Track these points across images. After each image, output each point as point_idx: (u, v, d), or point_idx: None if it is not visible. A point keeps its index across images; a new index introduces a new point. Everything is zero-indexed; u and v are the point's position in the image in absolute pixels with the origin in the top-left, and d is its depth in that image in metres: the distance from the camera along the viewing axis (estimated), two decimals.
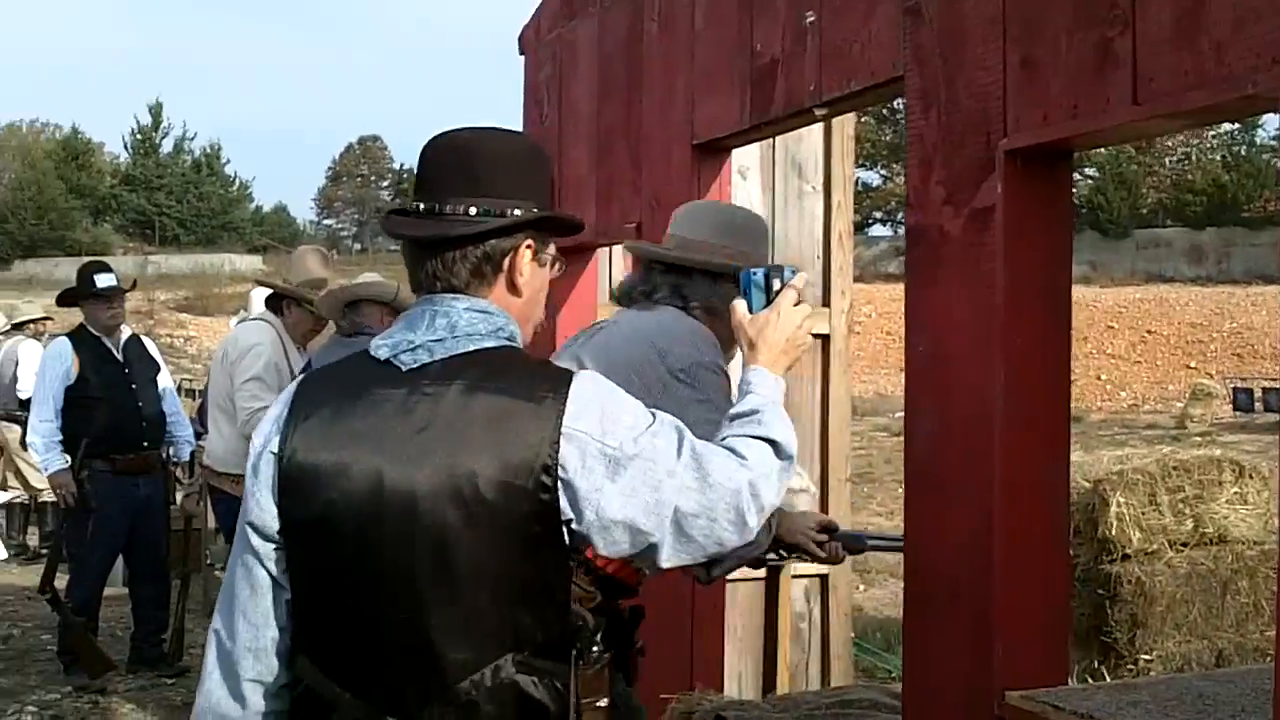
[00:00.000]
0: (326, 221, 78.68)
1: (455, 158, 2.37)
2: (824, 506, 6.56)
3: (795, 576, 6.33)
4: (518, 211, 2.33)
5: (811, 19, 3.79)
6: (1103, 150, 47.18)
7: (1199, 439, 20.83)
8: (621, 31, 4.97)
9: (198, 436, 8.63)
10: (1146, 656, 7.56)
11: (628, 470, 2.20)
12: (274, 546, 2.31)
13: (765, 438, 2.36)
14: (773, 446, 2.36)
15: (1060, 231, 3.08)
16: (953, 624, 3.21)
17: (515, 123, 5.96)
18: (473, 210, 2.30)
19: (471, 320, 2.30)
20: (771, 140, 6.32)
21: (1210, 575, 7.65)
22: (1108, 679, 7.23)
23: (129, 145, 62.09)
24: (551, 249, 2.45)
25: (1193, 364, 31.25)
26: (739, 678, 6.31)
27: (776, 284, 2.70)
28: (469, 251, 2.32)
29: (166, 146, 61.82)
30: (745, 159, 6.26)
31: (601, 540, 2.23)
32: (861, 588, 10.54)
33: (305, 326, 6.80)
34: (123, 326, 7.91)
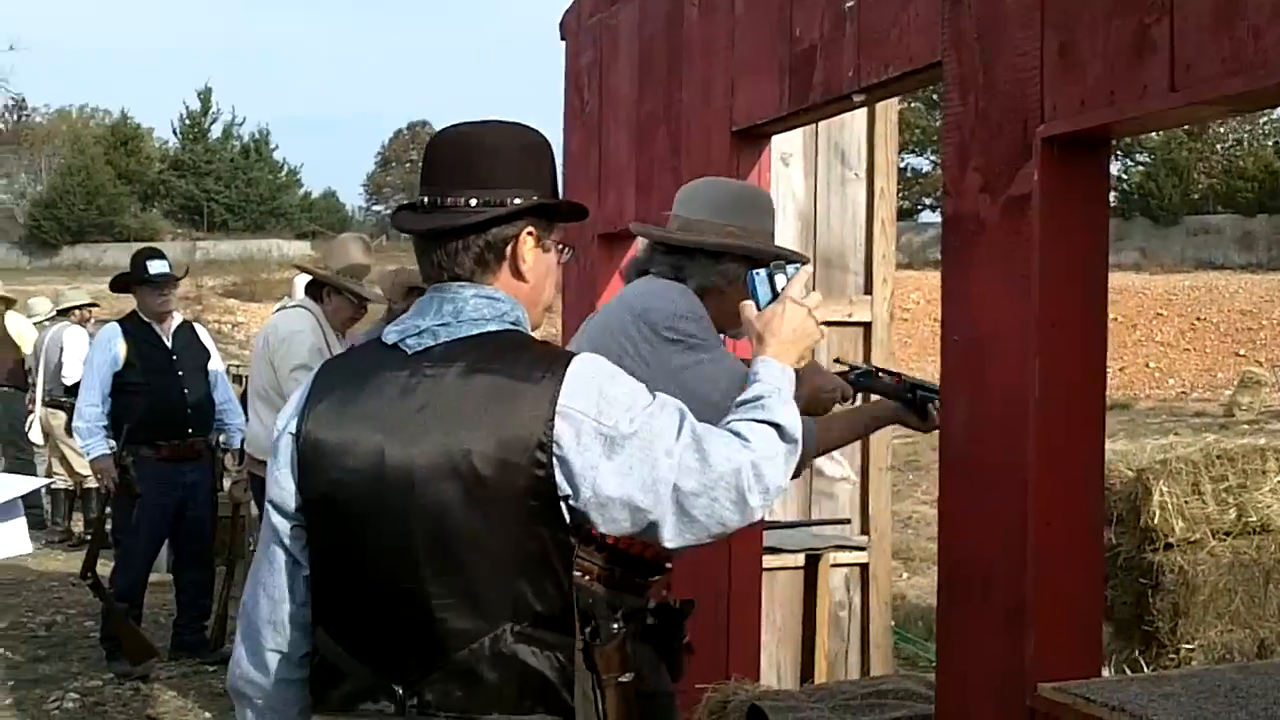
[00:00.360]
0: (375, 207, 78.76)
1: (456, 151, 2.44)
2: (864, 495, 6.55)
3: (835, 566, 6.32)
4: (518, 200, 2.39)
5: (851, 4, 3.77)
6: (1154, 136, 46.78)
7: (1247, 427, 20.59)
8: (662, 16, 4.95)
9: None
10: (1188, 646, 7.50)
11: (624, 449, 2.26)
12: (292, 524, 2.41)
13: (769, 421, 2.40)
14: (777, 430, 2.39)
15: (1097, 219, 3.05)
16: (986, 614, 3.19)
17: (559, 109, 5.96)
18: (473, 201, 2.38)
19: (477, 306, 2.37)
20: (814, 126, 6.29)
21: (1253, 564, 7.57)
22: (1148, 669, 7.20)
23: (178, 131, 62.37)
24: (556, 235, 2.51)
25: (1242, 351, 30.92)
26: (778, 666, 6.30)
27: (781, 279, 2.74)
28: (472, 241, 2.39)
29: (215, 132, 62.07)
30: (788, 145, 6.23)
31: (600, 517, 2.28)
32: (905, 575, 10.50)
33: (345, 314, 6.79)
34: (174, 313, 7.94)
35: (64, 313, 12.21)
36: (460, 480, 2.23)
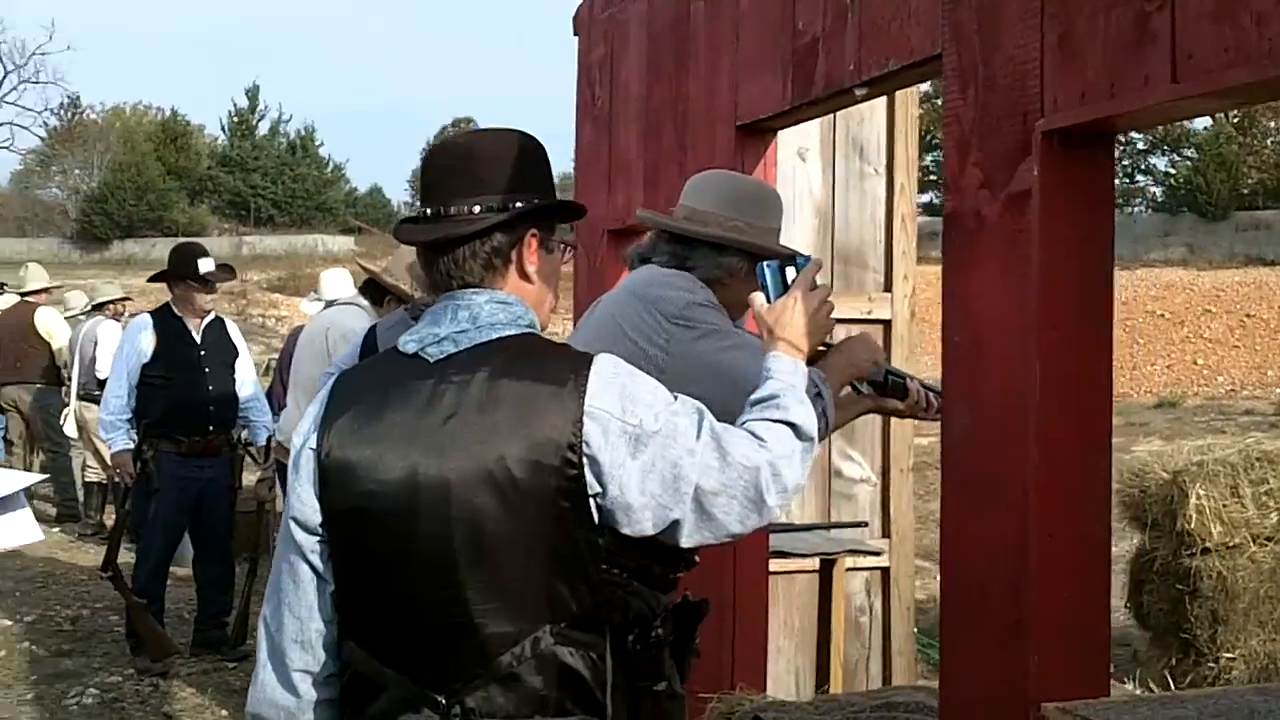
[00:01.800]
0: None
1: (454, 161, 2.49)
2: (885, 496, 6.42)
3: (854, 570, 6.19)
4: (519, 204, 2.42)
5: None
6: (1201, 130, 46.29)
7: None
8: (670, 10, 4.85)
9: None
10: (1228, 655, 7.33)
11: (648, 447, 2.29)
12: (317, 540, 2.40)
13: (784, 420, 2.44)
14: (792, 429, 2.44)
15: (1100, 216, 2.91)
16: (987, 629, 3.06)
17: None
18: (475, 208, 2.41)
19: (493, 311, 2.40)
20: (832, 121, 6.17)
21: None
22: (1186, 678, 7.03)
23: (226, 128, 62.76)
24: (559, 235, 2.56)
25: None
26: (797, 673, 6.19)
27: (791, 273, 2.74)
28: (478, 248, 2.42)
29: (263, 129, 62.42)
30: (805, 140, 6.12)
31: (625, 517, 2.31)
32: (936, 577, 10.33)
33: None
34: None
35: (99, 307, 12.24)
36: (496, 486, 2.25)
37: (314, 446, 2.39)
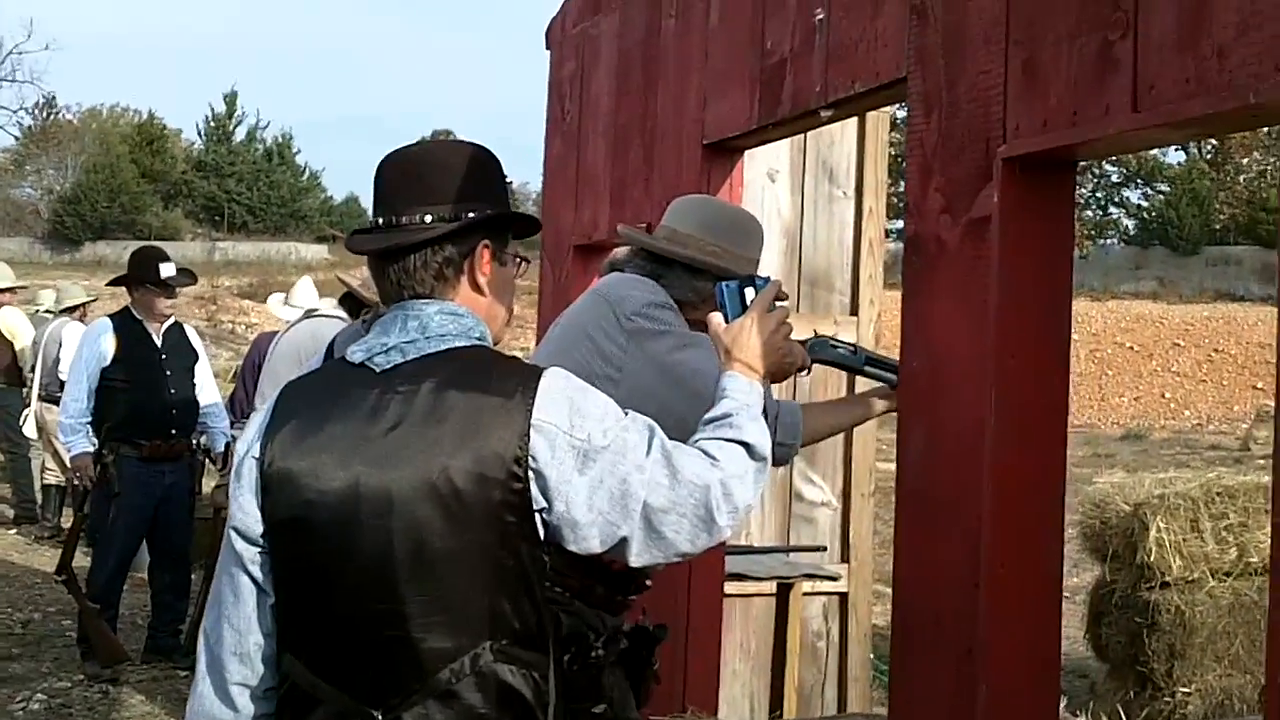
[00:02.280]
0: None
1: (406, 170, 2.44)
2: (845, 521, 6.39)
3: (809, 594, 6.16)
4: (471, 214, 2.39)
5: (820, 15, 3.63)
6: (1175, 165, 46.58)
7: (1262, 462, 20.39)
8: (641, 26, 4.82)
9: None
10: (1185, 689, 7.31)
11: (596, 462, 2.25)
12: (257, 550, 2.35)
13: (738, 440, 2.40)
14: (745, 449, 2.40)
15: (1060, 245, 2.89)
16: (938, 663, 3.04)
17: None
18: (428, 218, 2.37)
19: (442, 322, 2.36)
20: (802, 143, 6.16)
21: (1254, 607, 7.35)
22: (1142, 712, 7.02)
23: (202, 133, 62.61)
24: (513, 248, 2.51)
25: (1260, 385, 30.62)
26: (752, 696, 6.15)
27: (750, 293, 2.71)
28: (429, 258, 2.38)
29: (239, 135, 62.29)
30: (775, 162, 6.10)
31: (571, 533, 2.27)
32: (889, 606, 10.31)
33: None
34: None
35: (67, 310, 12.15)
36: (439, 499, 2.21)
37: (256, 455, 2.34)
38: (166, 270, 7.54)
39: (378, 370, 2.33)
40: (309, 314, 7.99)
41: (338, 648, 2.29)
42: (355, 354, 2.38)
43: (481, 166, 2.46)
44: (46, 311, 12.76)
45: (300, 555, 2.31)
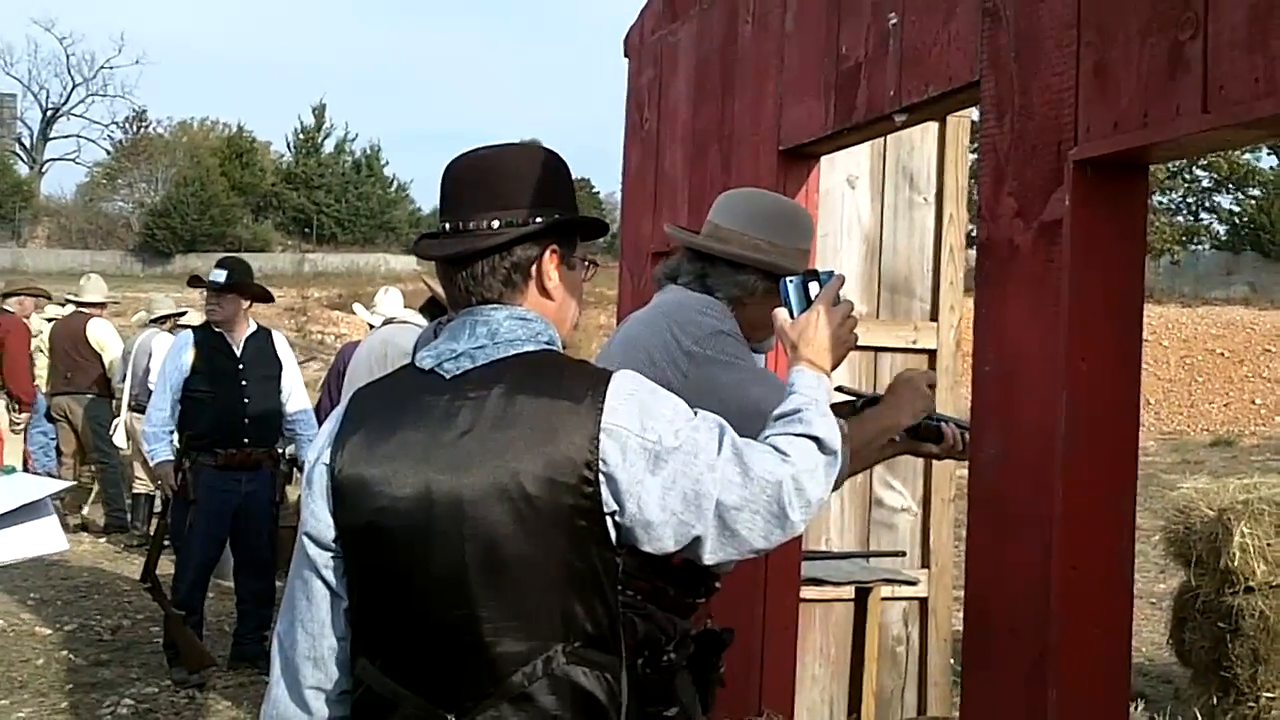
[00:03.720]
0: None
1: (474, 175, 2.44)
2: (925, 526, 6.36)
3: (888, 599, 6.15)
4: (539, 219, 2.39)
5: (894, 20, 3.64)
6: (1267, 168, 45.80)
7: None
8: (718, 33, 4.85)
9: None
10: (1269, 694, 7.21)
11: (668, 463, 2.25)
12: (330, 555, 2.38)
13: (808, 434, 2.40)
14: (816, 443, 2.40)
15: (1132, 247, 2.89)
16: (1009, 666, 3.03)
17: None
18: (495, 223, 2.37)
19: (511, 327, 2.36)
20: (882, 149, 6.15)
21: None
22: (1226, 717, 6.94)
23: (291, 145, 63.34)
24: (580, 251, 2.52)
25: None
26: (831, 701, 6.14)
27: (815, 287, 2.71)
28: (498, 263, 2.39)
29: (328, 147, 62.95)
30: (854, 168, 6.10)
31: (645, 534, 2.28)
32: None
33: None
34: (250, 322, 7.94)
35: (158, 321, 12.35)
36: (511, 503, 2.22)
37: (327, 462, 2.36)
38: (212, 275, 7.67)
39: (447, 377, 2.34)
40: (388, 321, 8.09)
41: (412, 651, 2.31)
42: (424, 360, 2.40)
43: (550, 170, 2.46)
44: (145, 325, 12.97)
45: (373, 561, 2.33)
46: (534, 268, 2.41)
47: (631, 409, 2.27)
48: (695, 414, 2.34)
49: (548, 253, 2.41)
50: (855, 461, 3.02)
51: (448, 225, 2.42)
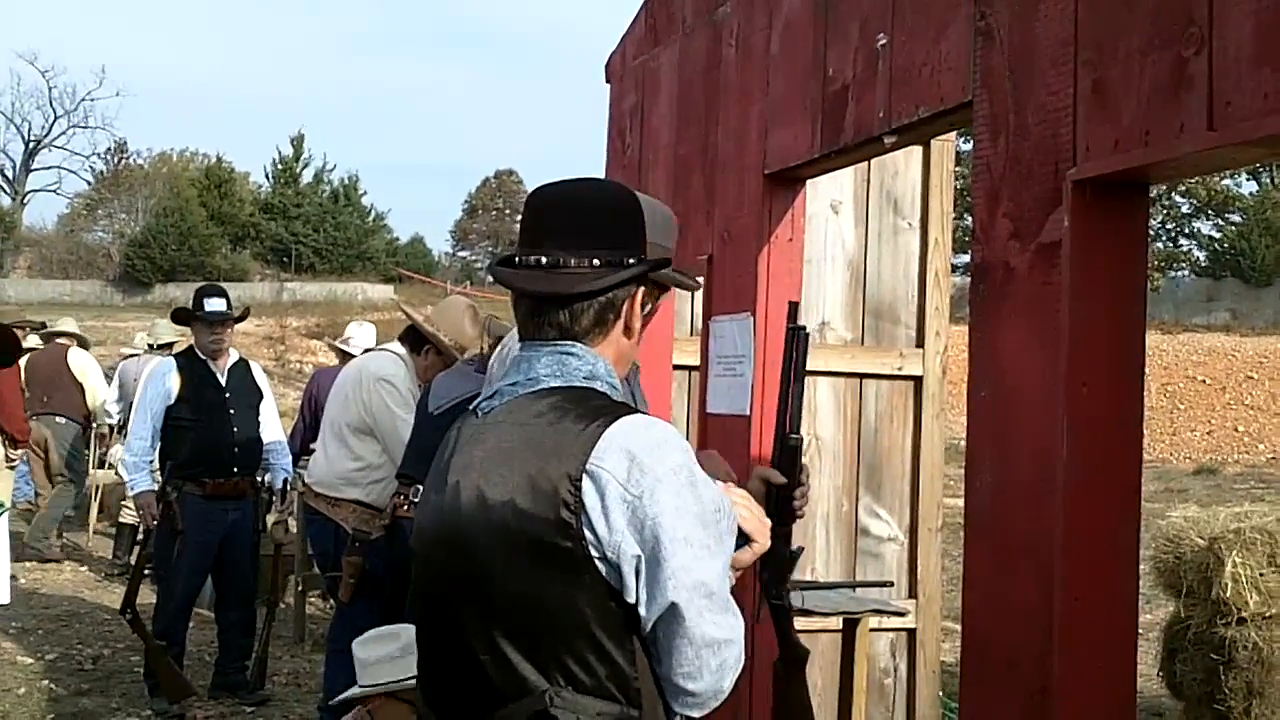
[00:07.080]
0: (461, 254, 79.68)
1: (566, 210, 2.41)
2: (913, 556, 6.29)
3: (876, 630, 6.06)
4: (632, 260, 2.36)
5: (883, 40, 3.57)
6: (1247, 195, 46.00)
7: None
8: (701, 57, 4.78)
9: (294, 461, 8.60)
10: None
11: (647, 521, 2.17)
12: None
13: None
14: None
15: (1133, 270, 2.81)
16: (1008, 700, 2.95)
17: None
18: (596, 262, 2.34)
19: (548, 364, 2.34)
20: (866, 174, 6.09)
21: None
22: None
23: (270, 175, 63.32)
24: (659, 292, 2.52)
25: None
26: None
27: None
28: (595, 301, 2.36)
29: (306, 177, 62.91)
30: (838, 193, 6.04)
31: (619, 581, 2.20)
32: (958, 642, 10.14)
33: (436, 371, 6.55)
34: (230, 351, 7.89)
35: (161, 347, 12.32)
36: (496, 534, 2.22)
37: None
38: (209, 305, 7.60)
39: (477, 417, 2.40)
40: (365, 352, 8.05)
41: (430, 674, 2.43)
42: (478, 404, 2.47)
43: (634, 210, 2.42)
44: (137, 354, 12.95)
45: (412, 586, 2.51)
46: (624, 306, 2.39)
47: (620, 454, 2.18)
48: (691, 472, 2.23)
49: (639, 293, 2.41)
50: None
51: (541, 259, 2.36)
